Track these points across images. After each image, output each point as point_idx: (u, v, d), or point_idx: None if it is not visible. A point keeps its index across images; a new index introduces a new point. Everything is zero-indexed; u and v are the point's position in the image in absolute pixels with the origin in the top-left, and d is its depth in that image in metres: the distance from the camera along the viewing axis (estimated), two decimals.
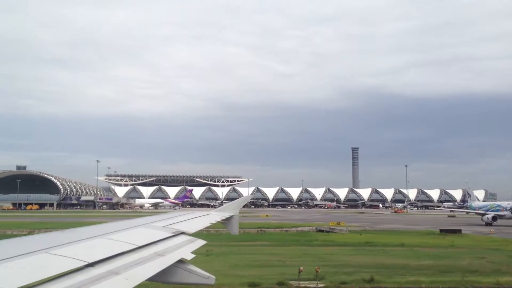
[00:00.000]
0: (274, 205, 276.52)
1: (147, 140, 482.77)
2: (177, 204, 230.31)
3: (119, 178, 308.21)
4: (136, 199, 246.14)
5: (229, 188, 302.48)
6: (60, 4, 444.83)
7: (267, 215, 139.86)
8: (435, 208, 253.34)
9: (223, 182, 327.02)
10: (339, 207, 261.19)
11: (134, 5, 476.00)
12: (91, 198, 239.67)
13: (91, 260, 4.82)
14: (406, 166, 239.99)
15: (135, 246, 5.82)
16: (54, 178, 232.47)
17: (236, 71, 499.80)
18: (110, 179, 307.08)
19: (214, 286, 6.84)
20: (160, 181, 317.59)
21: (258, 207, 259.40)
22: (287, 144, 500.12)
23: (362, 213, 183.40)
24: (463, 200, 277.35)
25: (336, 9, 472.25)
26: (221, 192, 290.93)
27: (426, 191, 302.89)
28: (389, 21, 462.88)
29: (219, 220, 11.12)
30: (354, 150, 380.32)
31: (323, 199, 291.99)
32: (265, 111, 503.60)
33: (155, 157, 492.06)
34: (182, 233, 7.61)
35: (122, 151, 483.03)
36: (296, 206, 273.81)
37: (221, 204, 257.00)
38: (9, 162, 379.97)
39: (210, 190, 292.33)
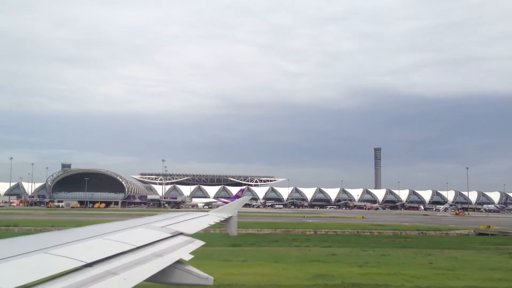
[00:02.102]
0: (312, 206, 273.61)
1: (154, 138, 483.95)
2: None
3: (153, 176, 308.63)
4: (193, 199, 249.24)
5: (267, 188, 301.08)
6: (71, 2, 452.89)
7: (362, 217, 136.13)
8: (475, 210, 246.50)
9: (256, 181, 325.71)
10: (377, 209, 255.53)
11: (144, 4, 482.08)
12: (157, 197, 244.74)
13: (89, 260, 4.80)
14: (467, 168, 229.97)
15: (133, 247, 5.80)
16: (119, 177, 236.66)
17: (245, 69, 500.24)
18: (145, 178, 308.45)
19: (212, 286, 6.02)
20: (194, 180, 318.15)
21: (298, 208, 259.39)
22: (295, 143, 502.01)
23: (427, 215, 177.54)
24: (506, 202, 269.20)
25: (347, 8, 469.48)
26: (260, 192, 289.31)
27: (463, 193, 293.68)
28: (400, 20, 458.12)
29: (218, 221, 11.16)
30: (377, 150, 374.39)
31: (361, 200, 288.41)
32: (273, 110, 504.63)
33: (162, 156, 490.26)
34: (181, 233, 7.61)
35: (129, 149, 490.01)
36: (335, 206, 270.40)
37: (265, 204, 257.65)
38: (19, 158, 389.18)
39: (249, 190, 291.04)
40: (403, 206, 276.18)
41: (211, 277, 6.06)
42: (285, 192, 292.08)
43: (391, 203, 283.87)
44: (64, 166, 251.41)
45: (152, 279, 5.36)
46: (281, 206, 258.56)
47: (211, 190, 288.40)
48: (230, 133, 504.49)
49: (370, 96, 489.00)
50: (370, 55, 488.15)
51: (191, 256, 6.40)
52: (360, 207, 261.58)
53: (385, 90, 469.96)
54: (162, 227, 7.79)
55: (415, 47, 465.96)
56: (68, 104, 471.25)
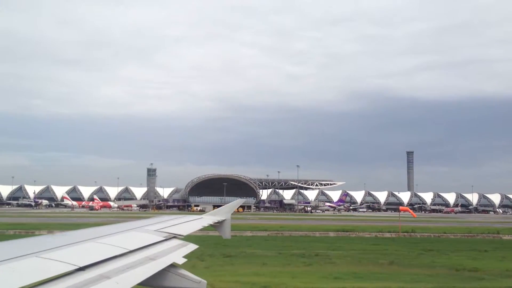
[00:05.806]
0: (385, 210, 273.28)
1: (154, 140, 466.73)
2: (334, 208, 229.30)
3: None
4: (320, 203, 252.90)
5: (340, 191, 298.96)
6: (72, 3, 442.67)
7: None
8: None
9: (316, 185, 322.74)
10: (456, 213, 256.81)
11: (147, 5, 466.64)
12: (293, 201, 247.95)
13: (82, 264, 4.78)
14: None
15: (126, 250, 5.79)
16: (251, 182, 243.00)
17: (247, 72, 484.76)
18: None
19: None
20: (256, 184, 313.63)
21: (374, 211, 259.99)
22: (297, 146, 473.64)
23: None
24: None
25: (351, 9, 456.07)
26: (333, 195, 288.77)
27: None
28: (405, 21, 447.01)
29: (212, 223, 11.20)
30: (409, 153, 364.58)
31: (433, 203, 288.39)
32: (275, 113, 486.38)
33: (161, 159, 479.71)
34: (174, 237, 7.62)
35: (128, 151, 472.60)
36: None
37: (349, 208, 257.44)
38: (17, 162, 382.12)
39: (323, 193, 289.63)
40: (476, 209, 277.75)
41: (204, 281, 6.08)
42: (357, 196, 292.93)
43: (463, 207, 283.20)
44: (149, 170, 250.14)
45: (145, 283, 5.39)
46: (364, 209, 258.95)
47: (286, 194, 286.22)
48: (230, 135, 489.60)
49: (373, 99, 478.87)
50: (373, 58, 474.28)
51: (184, 260, 6.40)
52: (434, 211, 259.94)
53: (386, 93, 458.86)
54: (155, 230, 7.86)
55: (419, 49, 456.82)
56: (67, 106, 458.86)
